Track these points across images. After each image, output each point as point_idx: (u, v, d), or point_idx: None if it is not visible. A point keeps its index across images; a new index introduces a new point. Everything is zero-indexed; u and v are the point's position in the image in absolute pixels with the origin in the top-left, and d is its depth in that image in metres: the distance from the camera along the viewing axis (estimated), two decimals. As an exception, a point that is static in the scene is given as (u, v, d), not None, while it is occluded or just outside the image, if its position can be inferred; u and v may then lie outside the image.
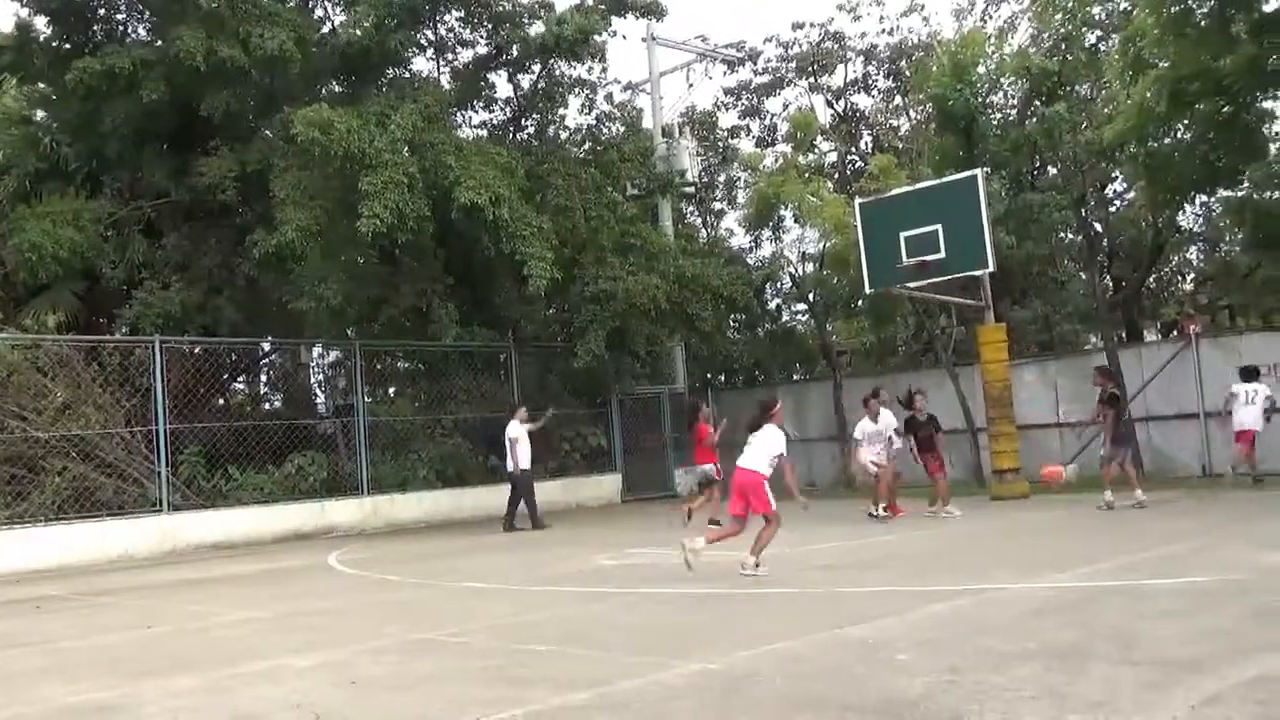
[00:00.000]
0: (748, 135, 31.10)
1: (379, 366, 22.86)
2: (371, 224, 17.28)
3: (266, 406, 23.85)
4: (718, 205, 31.76)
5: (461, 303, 21.20)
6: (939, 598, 7.75)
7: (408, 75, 22.05)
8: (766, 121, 30.92)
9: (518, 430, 17.18)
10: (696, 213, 31.30)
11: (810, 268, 26.58)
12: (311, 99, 19.44)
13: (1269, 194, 19.21)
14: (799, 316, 29.15)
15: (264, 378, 25.01)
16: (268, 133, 20.91)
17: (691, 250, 24.78)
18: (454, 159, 18.61)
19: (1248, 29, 16.69)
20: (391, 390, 24.15)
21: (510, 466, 17.35)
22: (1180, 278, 30.20)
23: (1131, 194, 24.49)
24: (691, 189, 26.79)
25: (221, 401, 21.99)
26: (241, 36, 18.86)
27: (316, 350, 23.07)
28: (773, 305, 28.46)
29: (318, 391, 24.12)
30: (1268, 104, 17.93)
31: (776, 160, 27.92)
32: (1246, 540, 9.80)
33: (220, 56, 18.50)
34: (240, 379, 24.35)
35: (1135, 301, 26.05)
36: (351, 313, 20.64)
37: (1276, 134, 18.79)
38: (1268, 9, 17.11)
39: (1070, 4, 20.39)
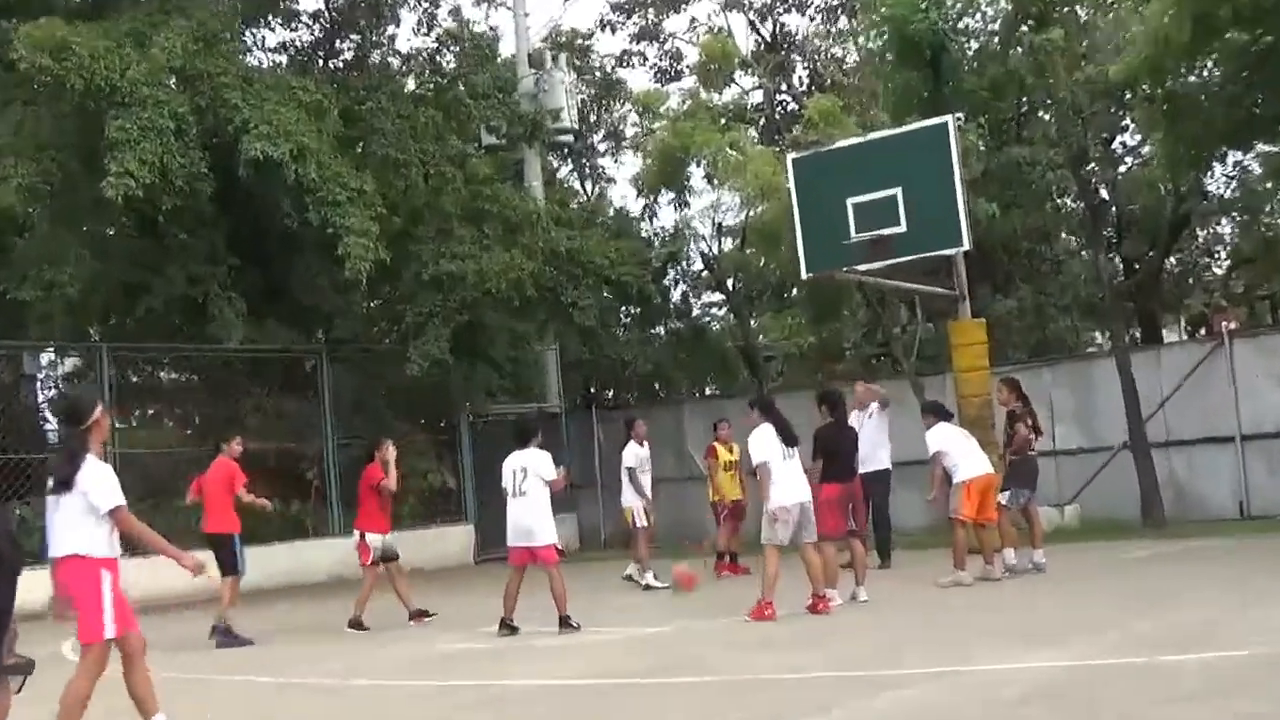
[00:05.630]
0: (643, 65, 31.40)
1: (135, 379, 22.41)
2: (122, 185, 16.97)
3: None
4: (603, 159, 32.00)
5: (252, 292, 20.95)
6: (902, 683, 8.00)
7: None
8: (668, 47, 31.24)
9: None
10: (574, 169, 31.46)
11: (728, 244, 26.95)
12: (40, 10, 19.03)
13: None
14: (713, 310, 29.50)
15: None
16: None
17: (568, 219, 24.88)
18: (240, 96, 18.43)
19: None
20: (151, 412, 23.72)
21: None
22: (1210, 258, 31.29)
23: (1147, 149, 25.33)
24: (569, 137, 26.92)
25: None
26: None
27: (46, 357, 22.52)
28: (677, 294, 28.71)
29: (48, 415, 23.54)
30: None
31: (683, 100, 28.22)
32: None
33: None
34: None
35: (1153, 289, 26.89)
36: (97, 305, 20.15)
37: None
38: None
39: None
